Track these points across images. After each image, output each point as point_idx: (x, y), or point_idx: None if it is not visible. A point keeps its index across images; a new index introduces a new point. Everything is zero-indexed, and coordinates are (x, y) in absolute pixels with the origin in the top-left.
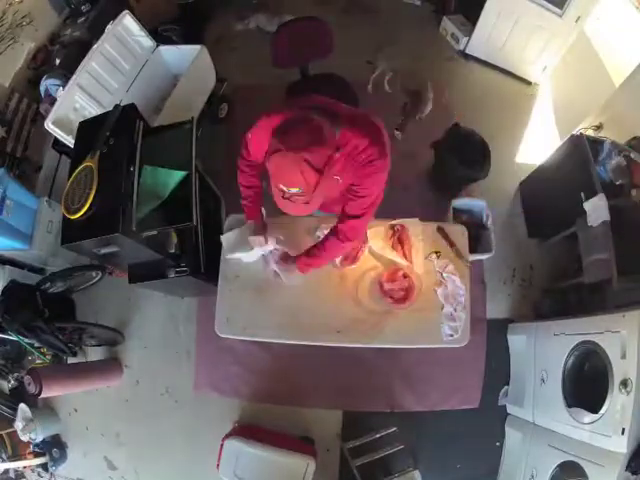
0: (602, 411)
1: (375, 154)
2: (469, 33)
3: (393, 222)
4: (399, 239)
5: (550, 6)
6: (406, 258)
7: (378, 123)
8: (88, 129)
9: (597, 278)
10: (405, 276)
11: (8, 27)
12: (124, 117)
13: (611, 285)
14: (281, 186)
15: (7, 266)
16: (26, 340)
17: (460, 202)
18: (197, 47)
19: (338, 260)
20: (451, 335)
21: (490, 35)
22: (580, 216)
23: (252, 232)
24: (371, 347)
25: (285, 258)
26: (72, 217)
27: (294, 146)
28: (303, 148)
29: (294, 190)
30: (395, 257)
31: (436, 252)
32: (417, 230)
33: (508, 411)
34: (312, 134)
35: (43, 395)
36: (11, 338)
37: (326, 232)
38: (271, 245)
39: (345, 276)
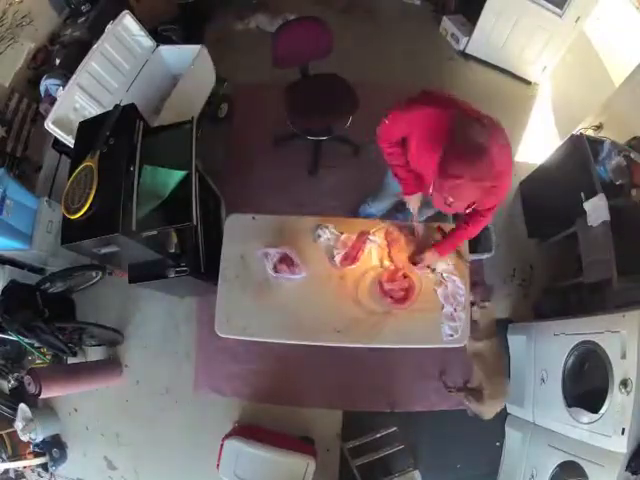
0: (602, 411)
1: (509, 161)
2: (469, 33)
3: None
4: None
5: (550, 6)
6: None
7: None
8: (88, 129)
9: (597, 278)
10: (405, 276)
11: (8, 27)
12: (124, 117)
13: (611, 285)
14: (450, 199)
15: (7, 266)
16: (26, 340)
17: None
18: (197, 47)
19: (338, 260)
20: (451, 335)
21: (490, 35)
22: (580, 216)
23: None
24: (371, 347)
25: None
26: (72, 217)
27: (476, 178)
28: (482, 180)
29: (459, 203)
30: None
31: None
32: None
33: (508, 411)
34: (488, 168)
35: (43, 395)
36: (11, 338)
37: (325, 231)
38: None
39: (345, 276)
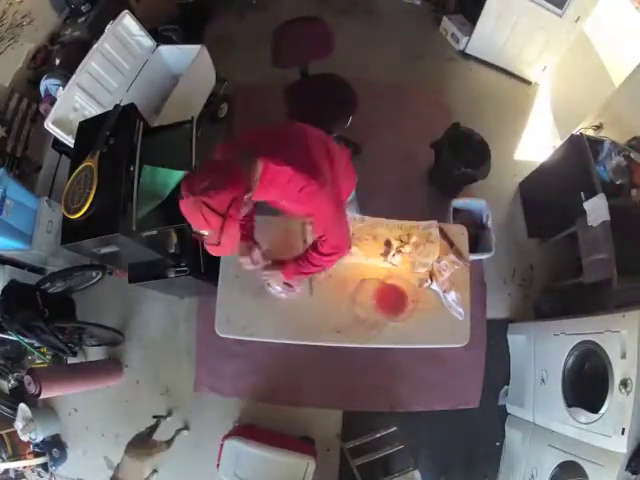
0: (602, 411)
1: (301, 181)
2: (469, 33)
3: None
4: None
5: (550, 6)
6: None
7: (311, 151)
8: (88, 129)
9: (597, 278)
10: (397, 289)
11: (8, 27)
12: (124, 117)
13: (611, 285)
14: (194, 228)
15: (7, 266)
16: (26, 340)
17: (460, 202)
18: (197, 47)
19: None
20: (460, 313)
21: (490, 35)
22: (580, 216)
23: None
24: (371, 347)
25: (270, 264)
26: (72, 217)
27: (194, 192)
28: (201, 193)
29: (204, 232)
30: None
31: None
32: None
33: (508, 411)
34: (213, 179)
35: (43, 395)
36: (11, 338)
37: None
38: (261, 260)
39: (346, 278)
